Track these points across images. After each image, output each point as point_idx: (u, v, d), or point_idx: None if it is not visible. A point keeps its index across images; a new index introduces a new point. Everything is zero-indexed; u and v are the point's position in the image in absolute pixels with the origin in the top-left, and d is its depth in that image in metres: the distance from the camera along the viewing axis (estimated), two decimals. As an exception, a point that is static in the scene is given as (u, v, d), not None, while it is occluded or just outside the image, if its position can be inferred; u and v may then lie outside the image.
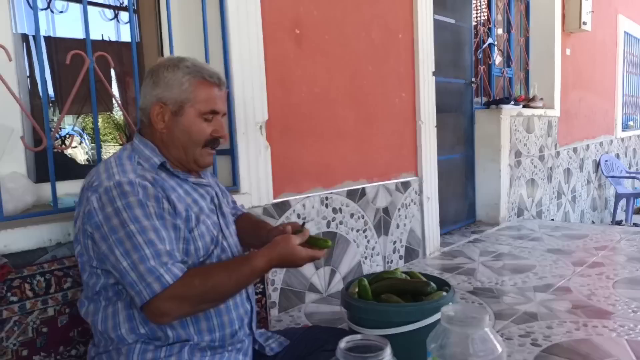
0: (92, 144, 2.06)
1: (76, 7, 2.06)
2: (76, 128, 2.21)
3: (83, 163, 2.23)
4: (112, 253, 1.09)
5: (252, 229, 1.47)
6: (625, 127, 7.38)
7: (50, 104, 2.08)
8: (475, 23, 4.38)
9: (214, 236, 1.26)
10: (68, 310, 1.42)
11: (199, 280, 1.10)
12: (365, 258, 2.84)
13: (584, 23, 5.18)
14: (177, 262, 1.11)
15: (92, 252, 1.16)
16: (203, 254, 1.22)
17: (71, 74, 1.77)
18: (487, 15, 4.52)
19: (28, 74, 1.95)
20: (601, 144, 6.43)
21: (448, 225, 4.01)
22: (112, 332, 1.16)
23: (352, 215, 2.73)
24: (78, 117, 2.16)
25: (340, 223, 2.66)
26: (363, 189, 2.81)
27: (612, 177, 6.34)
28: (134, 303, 1.11)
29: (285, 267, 1.23)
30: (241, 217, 1.54)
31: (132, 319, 1.16)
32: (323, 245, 1.25)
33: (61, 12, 1.98)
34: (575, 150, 5.69)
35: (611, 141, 6.77)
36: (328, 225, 2.59)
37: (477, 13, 4.45)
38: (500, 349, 1.01)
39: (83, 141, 2.19)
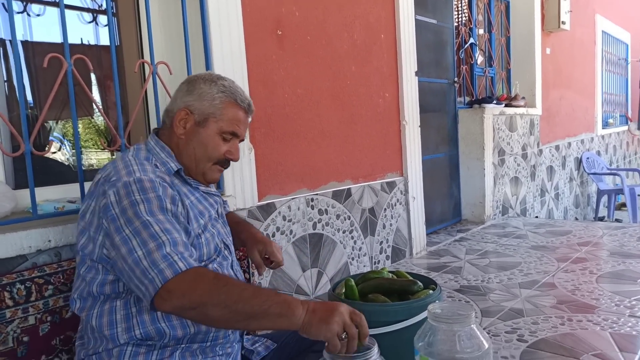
0: (74, 150, 2.03)
1: (53, 11, 2.02)
2: (56, 134, 2.17)
3: (63, 169, 2.19)
4: (126, 244, 1.04)
5: (233, 230, 1.48)
6: (605, 124, 7.50)
7: (30, 110, 2.04)
8: (457, 23, 4.42)
9: (217, 245, 1.28)
10: (50, 319, 1.39)
11: (214, 278, 1.02)
12: (352, 259, 2.83)
13: (563, 22, 5.25)
14: (193, 257, 1.07)
15: (97, 247, 1.13)
16: (206, 259, 1.24)
17: (50, 78, 1.74)
18: (468, 16, 4.56)
19: (5, 79, 1.91)
20: (582, 141, 6.52)
21: (434, 224, 4.02)
22: (106, 330, 1.14)
23: (338, 217, 2.73)
24: (57, 122, 2.12)
25: (327, 224, 2.65)
26: (349, 189, 2.81)
27: (594, 174, 6.44)
28: (143, 296, 1.03)
29: (320, 318, 0.99)
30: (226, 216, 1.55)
31: (130, 319, 1.14)
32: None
33: (38, 15, 1.95)
34: (557, 148, 5.76)
35: (592, 139, 6.87)
36: (314, 227, 2.58)
37: (458, 13, 4.49)
38: (486, 345, 1.01)
39: (64, 147, 2.15)
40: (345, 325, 0.99)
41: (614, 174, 6.60)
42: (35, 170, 1.56)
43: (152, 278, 1.00)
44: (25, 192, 1.60)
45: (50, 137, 2.14)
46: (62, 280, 1.43)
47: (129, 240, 1.05)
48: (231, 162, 1.34)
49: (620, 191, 6.05)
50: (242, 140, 1.35)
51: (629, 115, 8.80)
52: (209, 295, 0.99)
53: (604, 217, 6.32)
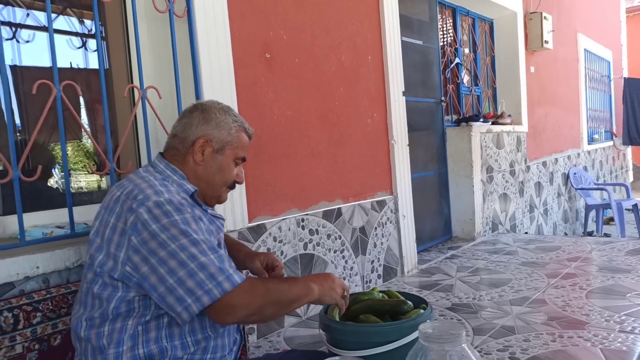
0: (63, 173, 2.02)
1: (43, 36, 2.03)
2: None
3: (52, 193, 2.18)
4: (174, 258, 1.10)
5: (230, 250, 1.54)
6: (591, 140, 7.61)
7: (19, 133, 2.04)
8: (442, 44, 4.50)
9: None
10: (37, 347, 1.37)
11: (261, 283, 1.22)
12: (344, 279, 2.83)
13: (546, 42, 5.36)
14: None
15: (119, 264, 1.14)
16: None
17: (40, 103, 1.75)
18: (453, 36, 4.65)
19: (-6, 104, 1.91)
20: (569, 157, 6.61)
21: (425, 242, 4.03)
22: (112, 348, 1.14)
23: (329, 236, 2.73)
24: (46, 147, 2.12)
25: (317, 244, 2.65)
26: (339, 209, 2.82)
27: (582, 189, 6.51)
28: (185, 307, 1.09)
29: (329, 288, 1.31)
30: None
31: (136, 337, 1.15)
32: None
33: (27, 41, 1.96)
34: (544, 164, 5.83)
35: (578, 154, 6.96)
36: (305, 247, 2.58)
37: (443, 34, 4.57)
38: (477, 365, 1.01)
39: (52, 170, 2.15)
40: (342, 286, 1.34)
41: (601, 189, 6.67)
42: (23, 195, 1.55)
43: (209, 289, 1.09)
44: (13, 218, 1.59)
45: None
46: (50, 308, 1.41)
47: (176, 255, 1.11)
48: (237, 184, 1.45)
49: (607, 206, 6.11)
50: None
51: (614, 130, 8.95)
52: (264, 300, 1.16)
53: (592, 231, 6.37)
